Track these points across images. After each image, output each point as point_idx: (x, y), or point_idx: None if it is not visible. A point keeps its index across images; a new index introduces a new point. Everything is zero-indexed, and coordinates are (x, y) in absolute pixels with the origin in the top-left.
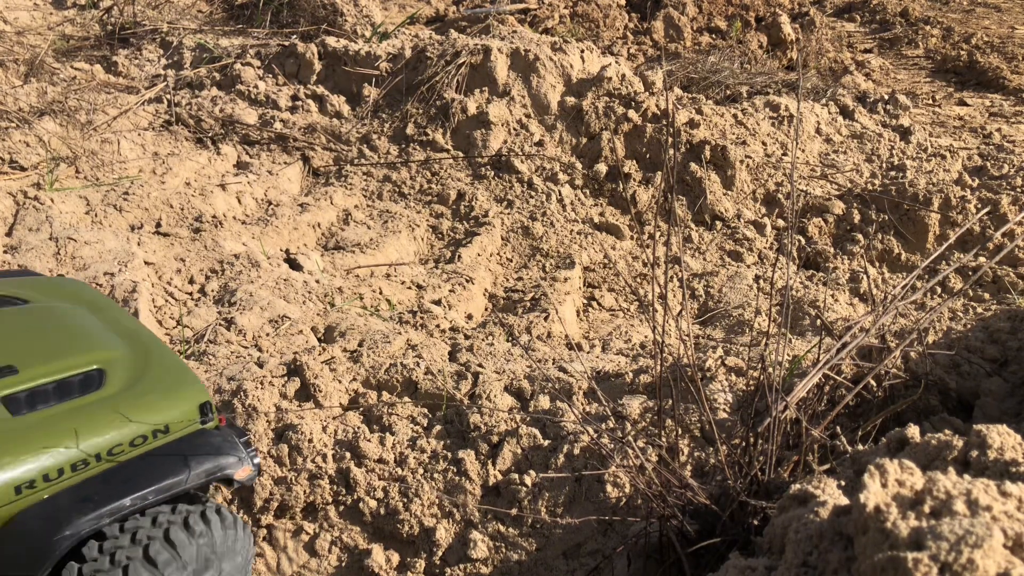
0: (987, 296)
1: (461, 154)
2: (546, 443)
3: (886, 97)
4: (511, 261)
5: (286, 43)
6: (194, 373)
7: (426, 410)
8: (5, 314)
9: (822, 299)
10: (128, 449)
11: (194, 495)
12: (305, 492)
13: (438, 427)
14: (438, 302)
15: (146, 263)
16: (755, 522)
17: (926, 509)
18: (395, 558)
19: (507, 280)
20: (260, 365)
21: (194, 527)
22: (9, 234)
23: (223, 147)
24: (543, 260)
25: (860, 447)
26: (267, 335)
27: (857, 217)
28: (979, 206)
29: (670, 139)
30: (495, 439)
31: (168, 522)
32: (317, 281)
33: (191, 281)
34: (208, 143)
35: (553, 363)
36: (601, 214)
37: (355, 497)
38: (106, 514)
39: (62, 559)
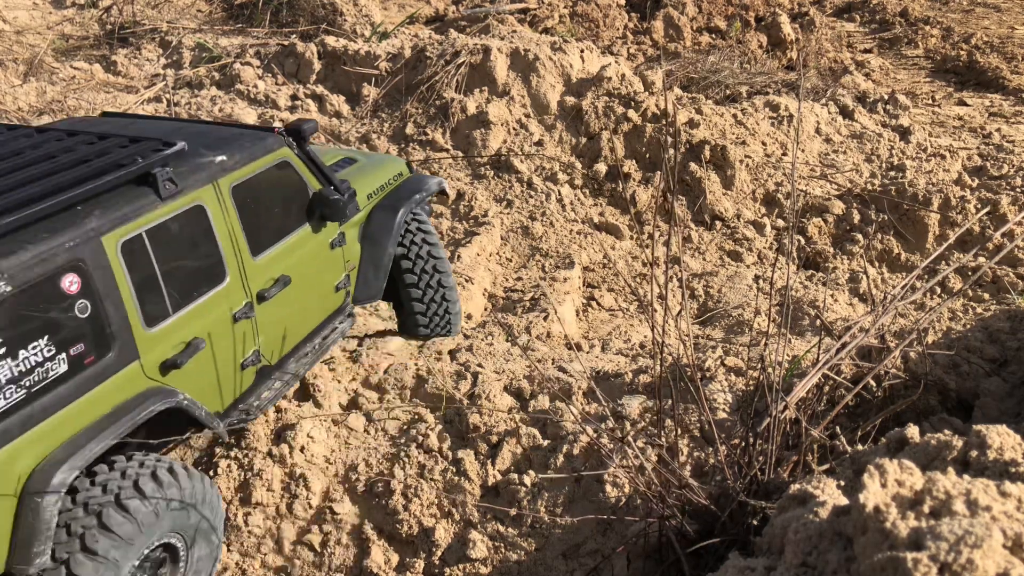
0: (987, 296)
1: (461, 154)
2: (545, 443)
3: (886, 97)
4: (511, 261)
5: (285, 43)
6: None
7: (426, 410)
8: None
9: (822, 299)
10: (393, 181)
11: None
12: (305, 492)
13: (438, 427)
14: None
15: None
16: (755, 522)
17: (926, 509)
18: (394, 558)
19: (507, 280)
20: None
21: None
22: None
23: None
24: (543, 260)
25: (860, 447)
26: None
27: (857, 217)
28: (979, 206)
29: (670, 139)
30: (494, 439)
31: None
32: None
33: None
34: None
35: (553, 363)
36: (601, 214)
37: (354, 497)
38: (415, 202)
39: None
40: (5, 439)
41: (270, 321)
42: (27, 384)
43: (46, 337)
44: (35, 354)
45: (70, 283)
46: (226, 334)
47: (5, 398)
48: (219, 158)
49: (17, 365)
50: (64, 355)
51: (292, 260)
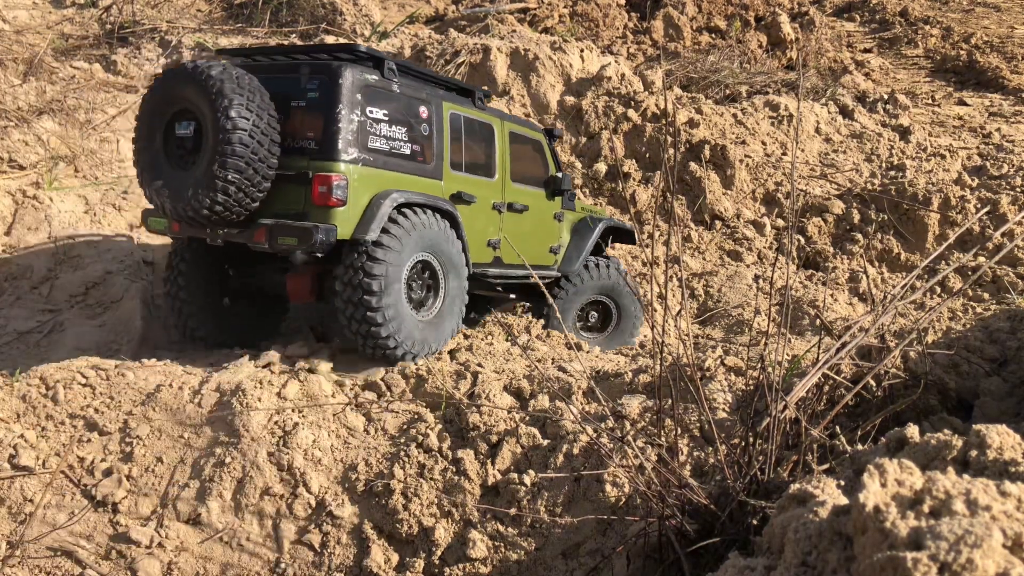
0: (987, 296)
1: None
2: (545, 443)
3: (885, 97)
4: None
5: (285, 42)
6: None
7: (426, 410)
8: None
9: (822, 299)
10: (598, 210)
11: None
12: (305, 492)
13: (438, 427)
14: None
15: (145, 263)
16: (754, 522)
17: (925, 509)
18: (394, 557)
19: None
20: (260, 365)
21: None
22: (8, 233)
23: None
24: None
25: (860, 447)
26: None
27: (857, 217)
28: (979, 206)
29: (670, 139)
30: (494, 439)
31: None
32: None
33: None
34: None
35: (553, 363)
36: None
37: (354, 497)
38: (611, 224)
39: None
40: (376, 164)
41: (509, 228)
42: (390, 146)
43: (405, 129)
44: (398, 133)
45: (423, 111)
46: (486, 211)
47: (380, 144)
48: (507, 111)
49: (390, 131)
50: (409, 145)
51: (529, 201)
